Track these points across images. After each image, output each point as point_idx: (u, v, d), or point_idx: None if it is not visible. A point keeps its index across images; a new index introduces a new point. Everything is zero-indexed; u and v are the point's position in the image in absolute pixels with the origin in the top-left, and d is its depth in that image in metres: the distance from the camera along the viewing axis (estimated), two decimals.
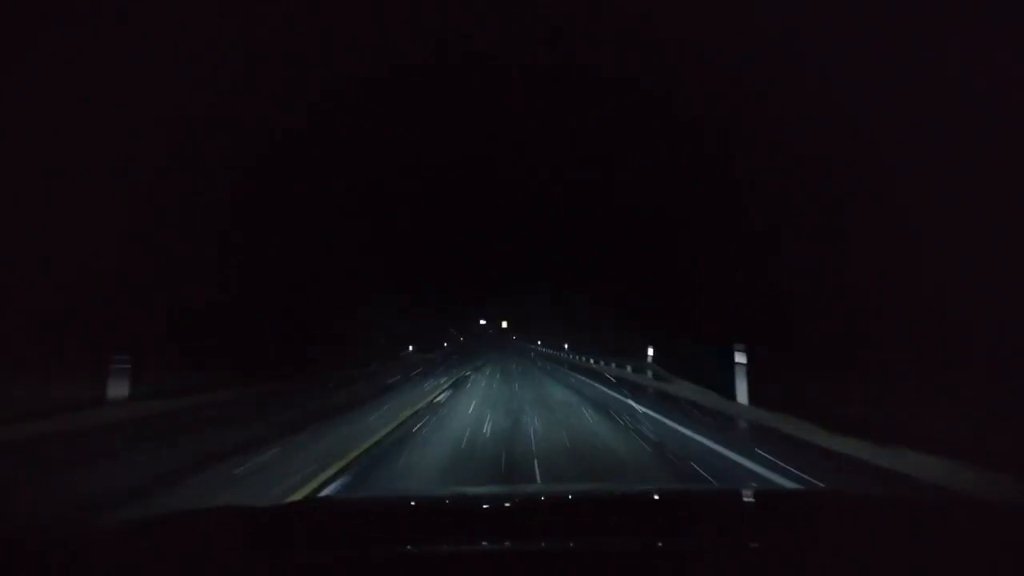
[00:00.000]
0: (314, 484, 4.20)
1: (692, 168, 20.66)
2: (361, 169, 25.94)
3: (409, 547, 1.15)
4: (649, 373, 15.61)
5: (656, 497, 1.78)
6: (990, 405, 6.06)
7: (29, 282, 9.14)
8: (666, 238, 25.43)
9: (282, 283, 17.77)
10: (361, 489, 4.15)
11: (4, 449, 5.64)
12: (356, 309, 25.48)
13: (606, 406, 9.16)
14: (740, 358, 9.31)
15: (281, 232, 17.79)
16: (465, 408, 8.95)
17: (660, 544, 1.13)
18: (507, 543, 1.19)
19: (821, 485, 4.32)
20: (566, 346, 37.92)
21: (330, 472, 4.54)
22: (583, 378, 16.48)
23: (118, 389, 8.42)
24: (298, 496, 3.87)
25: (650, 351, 15.88)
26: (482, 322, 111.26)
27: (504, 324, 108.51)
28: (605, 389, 12.64)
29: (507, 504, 1.70)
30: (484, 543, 1.20)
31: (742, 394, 9.16)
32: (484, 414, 8.07)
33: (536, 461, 4.99)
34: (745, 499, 1.77)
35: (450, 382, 14.46)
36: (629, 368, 18.33)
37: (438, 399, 10.28)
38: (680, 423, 7.24)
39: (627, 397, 10.51)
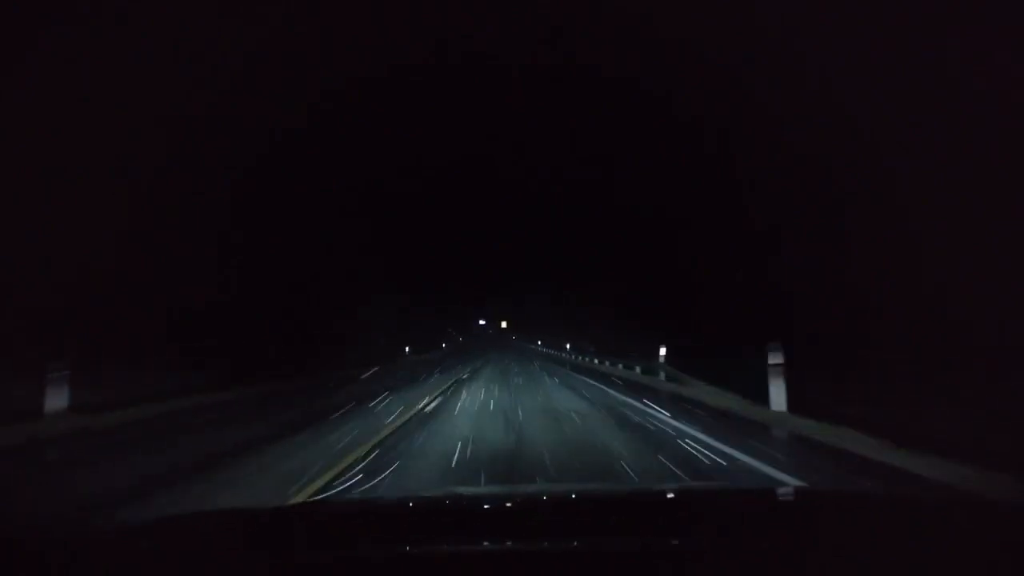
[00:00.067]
0: None
1: (692, 168, 20.65)
2: (361, 169, 25.92)
3: (410, 547, 1.15)
4: (661, 375, 14.71)
5: (656, 497, 1.78)
6: (990, 405, 6.06)
7: (29, 282, 9.14)
8: (666, 238, 25.42)
9: (282, 283, 17.76)
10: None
11: None
12: (356, 309, 25.48)
13: (624, 417, 8.02)
14: (775, 358, 8.20)
15: (281, 232, 17.78)
16: (460, 419, 7.86)
17: (660, 544, 1.13)
18: (508, 543, 1.19)
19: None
20: (568, 346, 37.17)
21: None
22: (590, 381, 15.39)
23: (56, 400, 7.41)
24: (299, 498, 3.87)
25: (662, 351, 14.97)
26: (481, 322, 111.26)
27: (504, 324, 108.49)
28: (617, 394, 11.61)
29: (508, 504, 1.70)
30: (485, 543, 1.20)
31: (778, 400, 8.00)
32: (481, 426, 6.95)
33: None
34: (745, 498, 1.77)
35: (448, 383, 13.91)
36: (638, 369, 17.40)
37: (428, 408, 9.13)
38: (725, 442, 5.86)
39: (648, 405, 9.35)
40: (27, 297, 9.02)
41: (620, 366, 20.12)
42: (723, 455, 5.25)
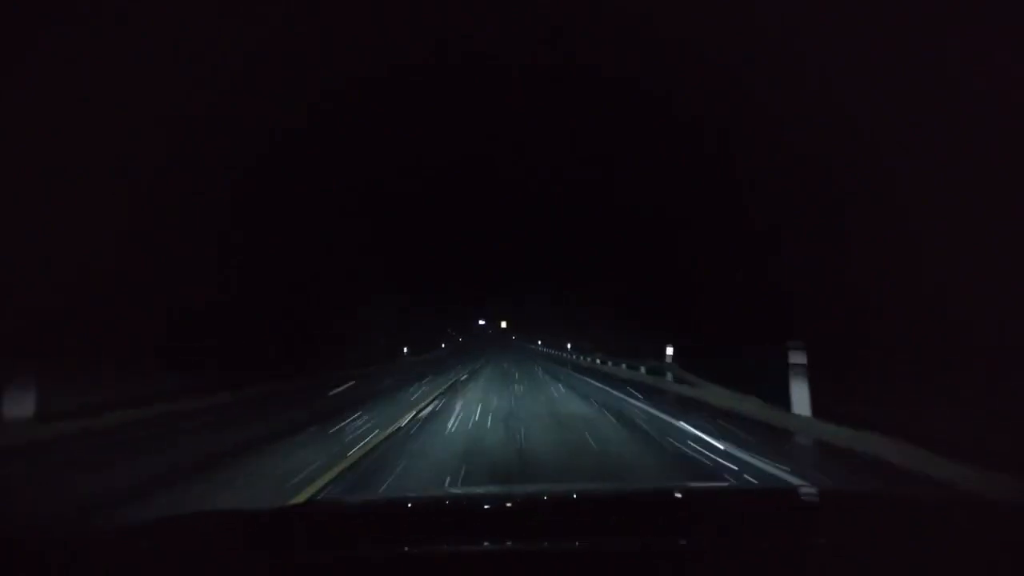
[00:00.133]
0: None
1: (692, 168, 20.69)
2: (361, 169, 25.96)
3: (410, 548, 1.15)
4: (669, 376, 13.88)
5: (656, 497, 1.78)
6: (990, 405, 6.05)
7: (29, 282, 9.14)
8: (666, 238, 25.46)
9: (282, 283, 17.78)
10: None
11: None
12: (356, 309, 25.49)
13: (632, 420, 7.45)
14: (797, 358, 7.49)
15: (281, 232, 17.79)
16: (459, 424, 7.15)
17: (660, 544, 1.13)
18: (508, 543, 1.19)
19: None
20: (569, 346, 36.30)
21: None
22: (595, 383, 14.48)
23: (20, 407, 6.85)
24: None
25: (669, 351, 14.01)
26: (481, 322, 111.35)
27: (503, 324, 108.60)
28: (624, 396, 10.79)
29: (508, 504, 1.70)
30: (485, 543, 1.20)
31: (801, 404, 7.29)
32: (480, 435, 6.24)
33: None
34: (745, 498, 1.77)
35: (446, 385, 13.17)
36: (643, 370, 16.50)
37: (424, 413, 8.32)
38: (749, 451, 5.33)
39: (663, 411, 8.43)
40: (27, 297, 9.03)
41: (624, 366, 19.20)
42: (761, 473, 4.65)
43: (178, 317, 11.94)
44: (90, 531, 1.39)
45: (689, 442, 5.88)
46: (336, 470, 4.60)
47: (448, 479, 4.47)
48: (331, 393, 11.65)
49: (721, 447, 5.57)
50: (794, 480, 4.48)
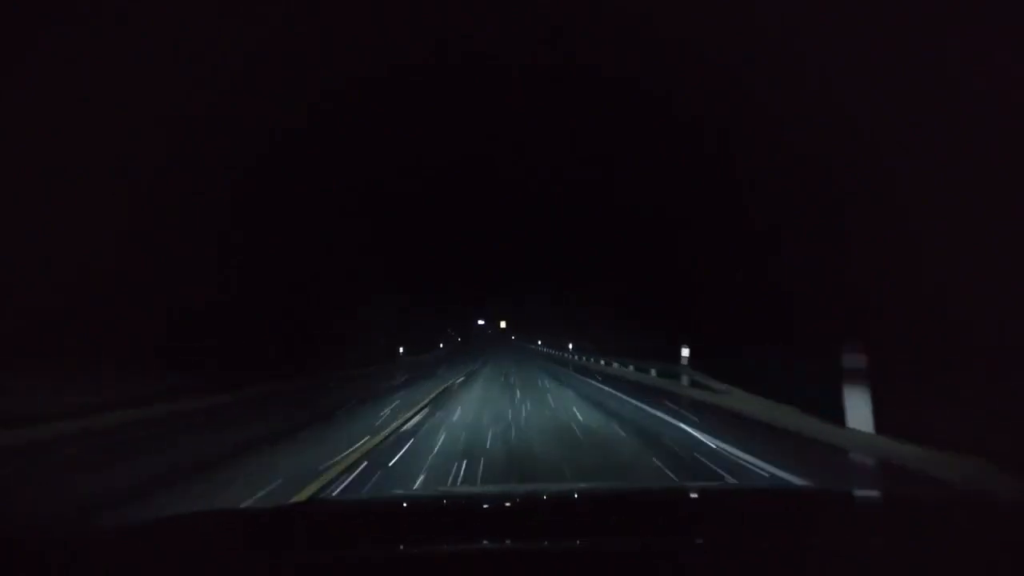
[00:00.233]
0: None
1: (692, 168, 20.70)
2: (361, 169, 25.96)
3: (409, 547, 1.15)
4: (684, 380, 12.65)
5: (656, 496, 1.78)
6: (990, 405, 6.03)
7: (29, 282, 9.15)
8: (666, 238, 25.48)
9: (282, 283, 17.78)
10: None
11: None
12: (356, 309, 25.49)
13: (657, 436, 6.23)
14: (854, 362, 6.36)
15: (281, 232, 17.80)
16: (451, 439, 6.03)
17: (660, 544, 1.13)
18: (507, 542, 1.19)
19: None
20: (570, 346, 35.40)
21: None
22: (603, 387, 13.24)
23: None
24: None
25: (685, 352, 12.84)
26: (480, 322, 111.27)
27: (503, 324, 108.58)
28: (641, 404, 9.39)
29: (507, 504, 1.70)
30: (484, 542, 1.20)
31: (859, 417, 6.18)
32: (476, 452, 5.29)
33: None
34: (746, 498, 1.77)
35: (441, 387, 12.30)
36: (653, 372, 15.29)
37: (414, 420, 7.41)
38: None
39: (691, 425, 6.98)
40: (27, 297, 9.03)
41: (631, 367, 18.01)
42: None
43: (178, 317, 11.94)
44: (90, 531, 1.39)
45: (743, 472, 4.68)
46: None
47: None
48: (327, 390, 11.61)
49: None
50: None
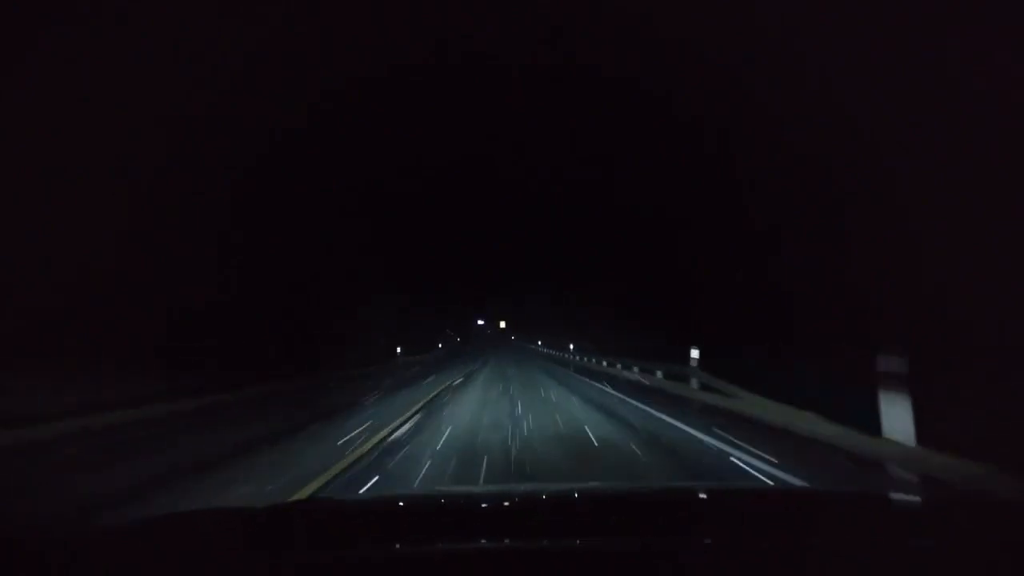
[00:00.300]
0: None
1: (692, 168, 20.70)
2: (361, 169, 25.94)
3: (408, 546, 1.15)
4: (694, 383, 12.04)
5: (656, 496, 1.78)
6: (990, 405, 6.02)
7: (29, 282, 9.14)
8: (666, 238, 25.48)
9: (282, 283, 17.78)
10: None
11: None
12: (356, 309, 25.49)
13: (683, 451, 5.69)
14: (893, 366, 5.78)
15: (281, 232, 17.79)
16: (444, 451, 5.54)
17: (660, 544, 1.13)
18: (506, 541, 1.19)
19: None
20: (571, 347, 34.59)
21: None
22: (610, 390, 12.53)
23: None
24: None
25: (694, 354, 12.23)
26: (480, 322, 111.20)
27: (502, 324, 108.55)
28: (654, 411, 8.71)
29: (506, 503, 1.70)
30: (483, 541, 1.20)
31: (897, 425, 5.57)
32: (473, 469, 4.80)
33: None
34: (745, 498, 1.76)
35: (428, 398, 10.55)
36: (659, 374, 14.67)
37: (403, 428, 6.93)
38: None
39: (714, 436, 6.39)
40: (27, 297, 9.03)
41: (636, 369, 17.24)
42: None
43: (178, 317, 11.94)
44: (90, 531, 1.39)
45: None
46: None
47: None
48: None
49: None
50: (730, 450, 4.59)
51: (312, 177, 19.68)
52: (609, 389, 13.00)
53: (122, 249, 10.72)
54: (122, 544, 1.17)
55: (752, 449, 5.60)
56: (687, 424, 7.35)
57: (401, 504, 1.70)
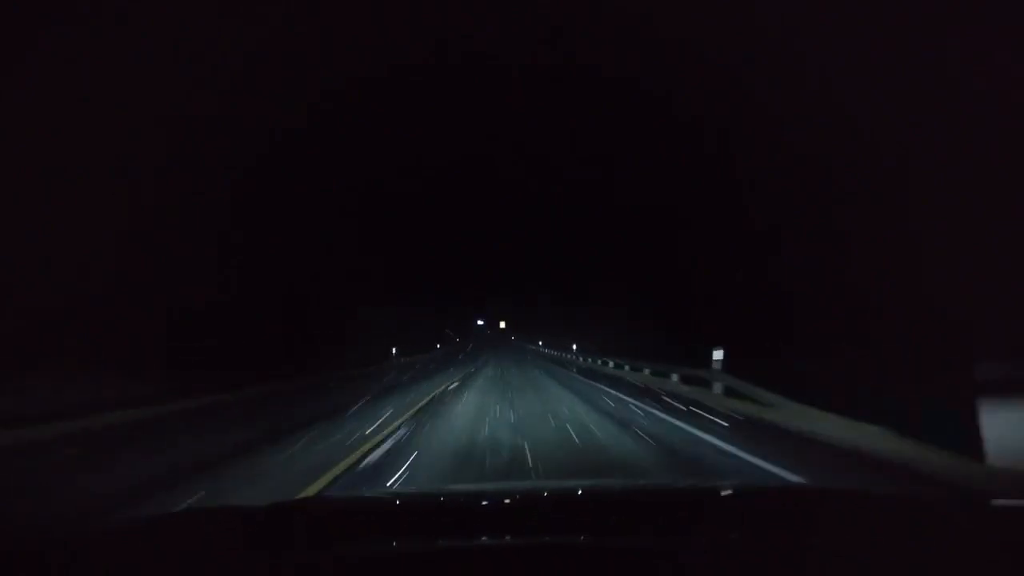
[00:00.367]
0: None
1: (692, 168, 20.70)
2: (361, 169, 25.94)
3: (409, 544, 1.15)
4: (717, 388, 10.61)
5: (657, 494, 1.78)
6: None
7: (29, 282, 9.14)
8: (666, 238, 25.48)
9: (282, 283, 17.77)
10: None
11: None
12: (356, 309, 25.47)
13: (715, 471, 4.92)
14: (998, 374, 4.77)
15: (281, 232, 17.79)
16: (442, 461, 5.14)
17: (660, 541, 1.13)
18: (507, 538, 1.19)
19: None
20: (574, 347, 33.39)
21: None
22: (624, 396, 11.19)
23: None
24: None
25: (717, 355, 10.68)
26: (479, 323, 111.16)
27: (502, 324, 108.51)
28: (683, 424, 7.44)
29: (507, 501, 1.70)
30: (484, 538, 1.20)
31: (1008, 449, 4.47)
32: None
33: None
34: (745, 497, 1.76)
35: (418, 406, 9.35)
36: (675, 378, 13.25)
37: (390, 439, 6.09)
38: None
39: (772, 462, 5.13)
40: (27, 297, 9.03)
41: (647, 371, 15.69)
42: None
43: (178, 317, 11.94)
44: (90, 531, 1.39)
45: None
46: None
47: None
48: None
49: None
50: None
51: (312, 177, 19.68)
52: (621, 395, 11.56)
53: (122, 249, 10.72)
54: (122, 544, 1.17)
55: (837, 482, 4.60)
56: (734, 445, 5.95)
57: (402, 502, 1.70)
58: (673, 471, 5.08)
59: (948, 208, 9.24)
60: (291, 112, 16.59)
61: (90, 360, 9.31)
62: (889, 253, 10.79)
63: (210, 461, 5.06)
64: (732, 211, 18.19)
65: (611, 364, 20.99)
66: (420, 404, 9.60)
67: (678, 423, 7.58)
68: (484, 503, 1.66)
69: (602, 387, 13.68)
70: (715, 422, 7.59)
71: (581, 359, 28.49)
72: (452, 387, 13.37)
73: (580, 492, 1.86)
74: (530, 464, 5.08)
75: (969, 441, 4.69)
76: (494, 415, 8.35)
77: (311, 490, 4.10)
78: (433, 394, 11.42)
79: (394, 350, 28.01)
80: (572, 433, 6.60)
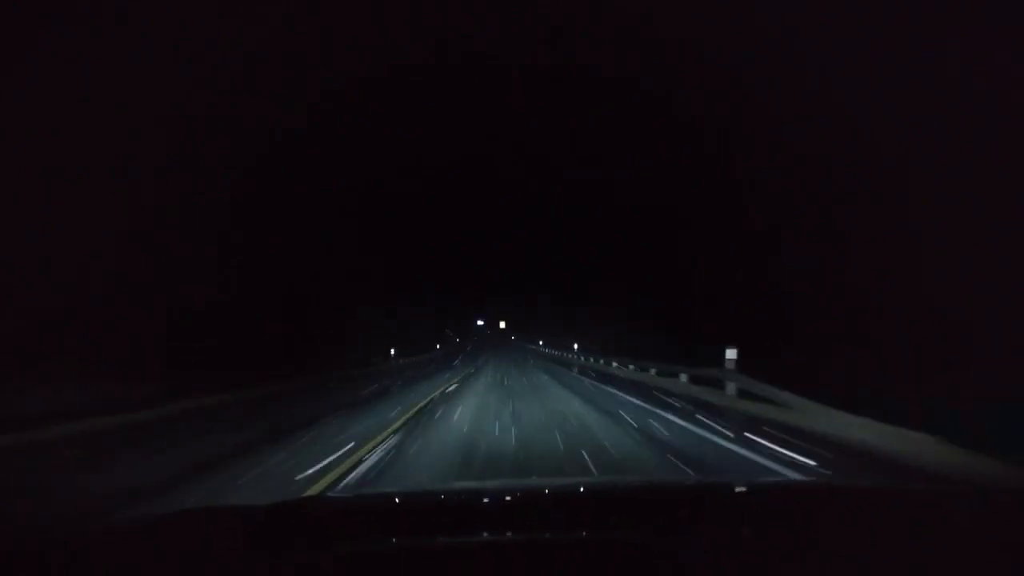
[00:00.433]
0: None
1: (692, 168, 20.73)
2: (361, 169, 25.95)
3: (410, 541, 1.14)
4: (730, 389, 9.62)
5: (659, 491, 1.77)
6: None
7: (29, 282, 9.14)
8: (666, 238, 25.50)
9: (282, 283, 17.78)
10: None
11: None
12: (356, 309, 25.45)
13: None
14: None
15: (281, 232, 17.79)
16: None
17: (662, 537, 1.13)
18: (508, 534, 1.19)
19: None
20: (576, 347, 32.61)
21: None
22: (633, 399, 10.51)
23: None
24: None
25: (730, 354, 9.77)
26: (479, 323, 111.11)
27: (502, 324, 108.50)
28: (708, 435, 6.69)
29: (508, 498, 1.70)
30: (485, 535, 1.20)
31: None
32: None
33: None
34: (747, 492, 1.76)
35: (432, 395, 10.12)
36: (684, 378, 12.31)
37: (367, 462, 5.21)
38: None
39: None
40: (27, 297, 9.03)
41: (653, 371, 14.92)
42: None
43: (178, 317, 11.94)
44: (90, 531, 1.39)
45: None
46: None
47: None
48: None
49: None
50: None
51: (312, 177, 19.69)
52: (630, 398, 10.84)
53: (122, 249, 10.72)
54: (122, 544, 1.17)
55: None
56: (753, 451, 5.59)
57: (402, 501, 1.69)
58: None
59: (948, 208, 9.24)
60: (291, 112, 16.61)
61: (90, 360, 9.31)
62: (889, 253, 10.80)
63: (210, 461, 5.06)
64: (732, 211, 18.21)
65: (614, 363, 20.24)
66: (410, 413, 8.62)
67: (708, 436, 6.65)
68: (485, 500, 1.65)
69: (612, 390, 12.57)
70: (749, 434, 6.55)
71: (583, 359, 27.80)
72: (450, 389, 12.79)
73: (582, 489, 1.85)
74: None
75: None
76: (496, 417, 7.83)
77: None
78: (432, 396, 11.08)
79: (392, 351, 27.22)
80: (587, 459, 5.50)
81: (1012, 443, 4.29)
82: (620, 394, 11.62)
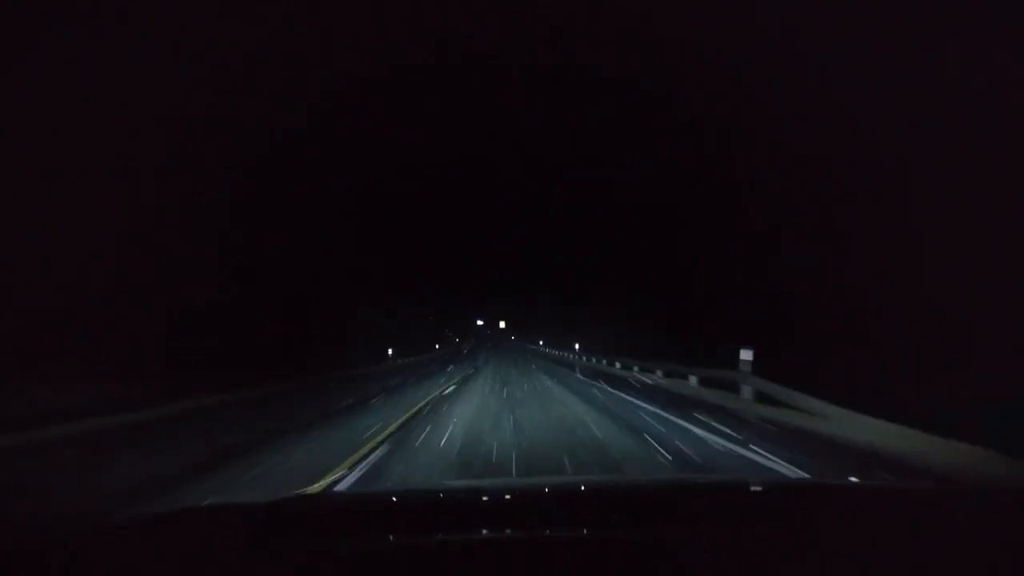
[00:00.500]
0: None
1: (692, 168, 20.73)
2: (361, 169, 25.94)
3: (410, 539, 1.14)
4: (746, 393, 9.21)
5: (659, 490, 1.77)
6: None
7: (29, 282, 9.14)
8: (666, 238, 25.50)
9: (282, 283, 17.77)
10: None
11: None
12: (356, 309, 25.43)
13: None
14: None
15: (281, 232, 17.79)
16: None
17: (662, 535, 1.13)
18: (508, 532, 1.19)
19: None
20: (577, 347, 32.67)
21: None
22: (644, 404, 9.75)
23: None
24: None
25: (746, 356, 9.24)
26: (479, 323, 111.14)
27: (502, 324, 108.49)
28: (742, 451, 5.79)
29: (508, 496, 1.69)
30: (484, 532, 1.20)
31: None
32: None
33: None
34: (748, 492, 1.76)
35: (431, 396, 10.04)
36: (693, 380, 11.79)
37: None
38: None
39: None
40: (27, 297, 9.03)
41: (659, 373, 14.37)
42: None
43: (178, 317, 11.93)
44: (90, 531, 1.39)
45: None
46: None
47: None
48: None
49: None
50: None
51: (312, 177, 19.68)
52: (640, 402, 10.19)
53: (122, 249, 10.72)
54: (122, 544, 1.16)
55: None
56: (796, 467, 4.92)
57: (402, 499, 1.69)
58: None
59: (948, 208, 9.24)
60: (291, 112, 16.60)
61: (90, 360, 9.31)
62: (889, 253, 10.79)
63: (210, 461, 5.06)
64: (732, 211, 18.21)
65: (618, 364, 19.61)
66: (401, 420, 7.93)
67: (740, 450, 5.83)
68: (484, 499, 1.65)
69: (621, 394, 11.85)
70: (785, 451, 5.67)
71: (585, 359, 27.45)
72: (448, 391, 12.43)
73: (583, 488, 1.85)
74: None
75: None
76: (489, 449, 6.04)
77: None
78: (431, 397, 10.85)
79: (390, 351, 26.76)
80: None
81: (1012, 443, 4.18)
82: (632, 399, 10.66)
